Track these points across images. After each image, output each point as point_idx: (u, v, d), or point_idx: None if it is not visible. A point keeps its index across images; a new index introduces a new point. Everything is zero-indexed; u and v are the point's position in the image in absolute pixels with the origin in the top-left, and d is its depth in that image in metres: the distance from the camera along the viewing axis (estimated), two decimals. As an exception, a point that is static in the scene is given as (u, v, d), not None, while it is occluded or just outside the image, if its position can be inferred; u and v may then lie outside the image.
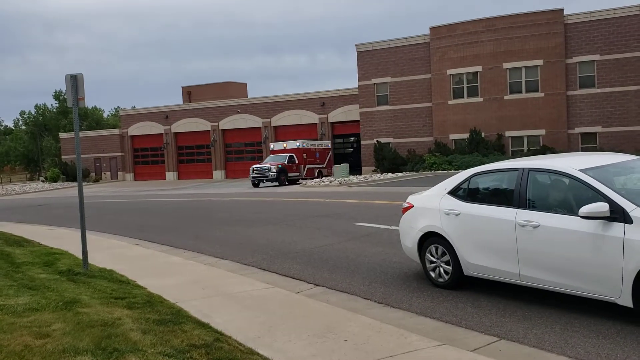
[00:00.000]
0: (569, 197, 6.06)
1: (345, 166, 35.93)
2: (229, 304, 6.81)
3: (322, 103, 45.43)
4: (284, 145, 38.71)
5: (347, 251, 10.12)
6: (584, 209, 5.48)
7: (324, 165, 40.70)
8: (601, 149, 30.85)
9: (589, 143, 32.79)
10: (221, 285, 7.89)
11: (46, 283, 7.34)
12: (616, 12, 31.71)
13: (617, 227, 5.37)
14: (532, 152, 32.23)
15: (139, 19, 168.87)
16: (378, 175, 35.79)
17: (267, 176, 35.48)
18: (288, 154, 37.35)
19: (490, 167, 7.08)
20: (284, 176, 35.93)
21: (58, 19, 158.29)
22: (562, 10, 32.93)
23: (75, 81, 8.59)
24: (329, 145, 43.13)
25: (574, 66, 32.82)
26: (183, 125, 53.01)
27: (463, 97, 36.09)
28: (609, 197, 5.51)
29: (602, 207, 5.41)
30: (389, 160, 37.42)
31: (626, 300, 5.31)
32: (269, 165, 35.83)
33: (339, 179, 34.59)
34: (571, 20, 32.71)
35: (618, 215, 5.38)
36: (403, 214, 7.92)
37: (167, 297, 7.10)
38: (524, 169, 6.44)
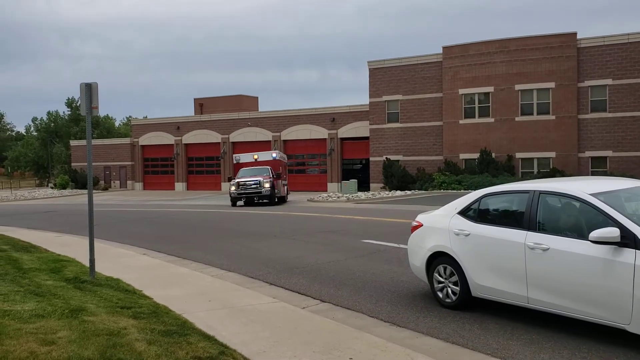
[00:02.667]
0: (579, 221, 6.01)
1: (353, 182, 35.92)
2: (235, 317, 6.79)
3: (332, 118, 45.54)
4: (255, 157, 32.70)
5: (354, 268, 10.08)
6: (595, 234, 5.44)
7: (286, 182, 34.44)
8: (611, 174, 30.66)
9: (599, 167, 32.61)
10: (227, 298, 7.87)
11: (52, 290, 7.35)
12: (630, 38, 31.69)
13: (628, 253, 5.32)
14: (542, 175, 32.09)
15: (154, 30, 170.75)
16: (386, 192, 35.71)
17: (260, 192, 28.91)
18: (265, 167, 31.01)
19: (501, 189, 7.06)
20: (274, 193, 29.71)
21: (74, 28, 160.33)
22: (575, 34, 32.96)
23: (89, 90, 8.68)
24: (286, 159, 37.13)
25: (586, 90, 32.76)
26: (194, 137, 53.27)
27: (474, 117, 36.08)
28: (620, 222, 5.47)
29: (613, 232, 5.37)
30: (398, 178, 37.36)
31: (636, 328, 5.25)
32: (260, 178, 29.20)
33: (347, 195, 34.56)
34: (584, 44, 32.71)
35: (629, 240, 5.34)
36: (412, 232, 7.89)
37: (173, 308, 7.09)
38: (534, 191, 6.41)
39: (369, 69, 40.77)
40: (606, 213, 5.64)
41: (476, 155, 35.41)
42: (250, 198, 29.27)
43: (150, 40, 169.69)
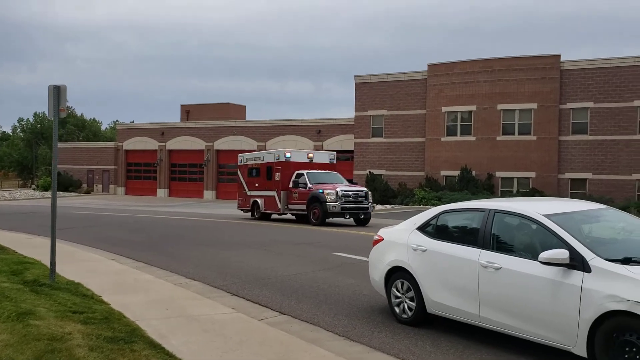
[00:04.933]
0: (532, 241, 6.05)
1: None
2: (189, 326, 6.73)
3: (319, 130, 45.63)
4: (310, 155, 25.25)
5: (320, 281, 10.06)
6: (544, 255, 5.47)
7: None
8: (590, 196, 30.96)
9: (578, 189, 32.94)
10: (185, 307, 7.81)
11: (6, 292, 7.25)
12: (612, 62, 32.19)
13: (576, 275, 5.36)
14: (521, 194, 32.35)
15: (147, 34, 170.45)
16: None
17: (366, 208, 22.23)
18: (334, 173, 24.79)
19: (459, 206, 7.10)
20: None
21: (67, 30, 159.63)
22: (559, 56, 33.41)
23: (58, 92, 8.62)
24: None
25: (567, 112, 33.16)
26: (178, 143, 53.08)
27: (456, 134, 36.34)
28: (569, 244, 5.51)
29: (562, 253, 5.40)
30: (380, 192, 37.45)
31: (581, 350, 5.27)
32: (365, 189, 23.29)
33: (328, 208, 34.52)
34: (567, 66, 33.16)
35: (578, 263, 5.37)
36: (373, 246, 7.90)
37: (128, 315, 7.03)
38: (490, 209, 6.46)
39: (356, 83, 41.00)
40: (557, 234, 5.68)
41: (457, 173, 35.63)
42: (355, 214, 21.94)
43: (144, 44, 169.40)
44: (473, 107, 35.51)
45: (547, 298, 5.54)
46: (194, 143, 52.00)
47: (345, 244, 15.66)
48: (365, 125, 40.49)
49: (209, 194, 51.09)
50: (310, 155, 25.38)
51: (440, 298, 6.63)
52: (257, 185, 25.76)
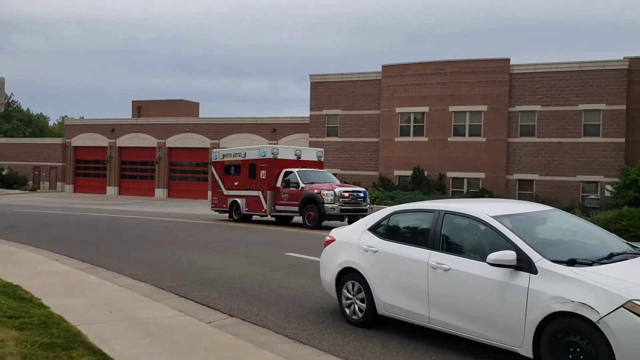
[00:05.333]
0: (481, 242, 6.10)
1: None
2: (133, 330, 6.50)
3: (273, 129, 45.37)
4: (297, 153, 23.64)
5: (271, 282, 9.93)
6: (492, 256, 5.51)
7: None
8: (537, 197, 31.86)
9: (526, 189, 33.82)
10: (131, 310, 7.55)
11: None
12: (558, 67, 33.17)
13: (523, 277, 5.41)
14: (471, 194, 32.98)
15: (98, 29, 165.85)
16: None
17: (365, 209, 20.73)
18: (324, 171, 23.56)
19: (410, 207, 7.10)
20: None
21: (16, 21, 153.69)
22: (508, 60, 34.22)
23: (-4, 85, 8.21)
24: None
25: (516, 114, 34.01)
26: (129, 140, 51.83)
27: (409, 135, 36.77)
28: (517, 245, 5.56)
29: (509, 255, 5.45)
30: (334, 192, 37.51)
31: (527, 351, 5.33)
32: (363, 189, 22.01)
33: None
34: (516, 70, 34.00)
35: (524, 264, 5.43)
36: (325, 247, 7.83)
37: (69, 319, 6.73)
38: (440, 211, 6.48)
39: (311, 82, 40.95)
40: (505, 236, 5.73)
41: (410, 173, 36.03)
42: (354, 216, 19.77)
43: (95, 39, 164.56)
44: (426, 109, 35.99)
45: (495, 299, 5.58)
46: (145, 140, 50.89)
47: (298, 243, 15.56)
48: (320, 125, 40.50)
49: (160, 192, 50.10)
50: (298, 152, 23.73)
51: (391, 299, 6.61)
52: (236, 184, 23.84)
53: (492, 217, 6.01)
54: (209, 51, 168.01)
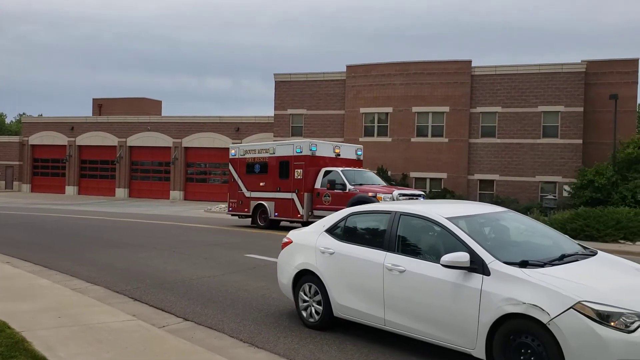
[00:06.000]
0: (436, 244, 6.10)
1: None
2: (81, 336, 6.29)
3: (237, 128, 45.02)
4: (336, 150, 21.14)
5: (228, 284, 9.78)
6: (445, 258, 5.51)
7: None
8: (497, 196, 32.38)
9: (486, 189, 34.34)
10: (81, 314, 7.31)
11: None
12: (518, 69, 33.78)
13: (476, 278, 5.42)
14: (433, 194, 33.30)
15: (58, 25, 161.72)
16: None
17: None
18: (367, 171, 21.45)
19: (367, 208, 7.08)
20: None
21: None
22: (470, 61, 34.68)
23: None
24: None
25: (477, 116, 34.50)
26: (89, 139, 50.68)
27: (373, 135, 36.92)
28: (470, 247, 5.57)
29: (462, 257, 5.45)
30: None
31: (480, 353, 5.35)
32: (422, 192, 19.76)
33: (245, 207, 34.09)
34: (478, 72, 34.48)
35: (478, 266, 5.44)
36: (282, 249, 7.74)
37: (14, 325, 6.48)
38: (396, 212, 6.46)
39: (275, 81, 40.74)
40: (458, 237, 5.74)
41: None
42: None
43: (55, 35, 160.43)
44: (389, 109, 36.21)
45: (449, 301, 5.58)
46: (106, 139, 49.85)
47: (258, 245, 15.43)
48: (284, 124, 40.33)
49: (121, 192, 49.15)
50: (337, 148, 21.03)
51: (347, 301, 6.57)
52: (262, 184, 21.21)
53: (446, 218, 6.01)
54: (173, 48, 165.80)
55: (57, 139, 52.01)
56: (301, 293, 7.19)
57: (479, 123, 34.41)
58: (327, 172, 19.64)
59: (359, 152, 22.11)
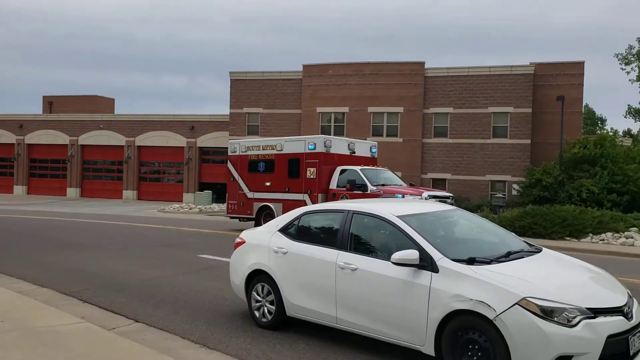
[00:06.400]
0: (388, 242, 6.18)
1: (208, 194, 35.27)
2: (26, 341, 6.10)
3: (192, 127, 44.44)
4: (351, 146, 19.56)
5: (181, 285, 9.67)
6: (396, 256, 5.59)
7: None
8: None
9: (439, 188, 34.95)
10: (26, 318, 7.09)
11: None
12: (469, 71, 34.52)
13: (426, 276, 5.52)
14: (389, 193, 33.65)
15: (6, 21, 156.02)
16: (241, 205, 35.38)
17: None
18: (386, 170, 19.77)
19: (320, 207, 7.12)
20: None
21: None
22: (423, 63, 35.24)
23: None
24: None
25: (430, 116, 35.10)
26: (39, 137, 49.10)
27: (330, 135, 37.06)
28: (420, 244, 5.67)
29: (412, 254, 5.54)
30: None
31: (429, 349, 5.44)
32: (450, 194, 19.08)
33: (200, 207, 33.80)
34: (430, 73, 35.07)
35: (427, 263, 5.54)
36: (235, 249, 7.70)
37: (-47, 331, 6.23)
38: (349, 211, 6.52)
39: (231, 79, 40.41)
40: (409, 235, 5.84)
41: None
42: None
43: (2, 31, 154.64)
44: (345, 109, 36.45)
45: (399, 298, 5.66)
46: (57, 137, 48.40)
47: (212, 245, 15.29)
48: (241, 123, 40.06)
49: (72, 192, 47.83)
50: (352, 145, 19.42)
51: (300, 301, 6.58)
52: (268, 184, 19.46)
53: (397, 216, 6.10)
54: (127, 45, 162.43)
55: (4, 137, 50.18)
56: (254, 293, 7.17)
57: (432, 123, 35.02)
58: (343, 171, 18.04)
59: (374, 150, 20.46)
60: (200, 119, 44.73)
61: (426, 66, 35.16)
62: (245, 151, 20.45)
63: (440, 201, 15.96)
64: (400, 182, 18.84)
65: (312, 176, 18.16)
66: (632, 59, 44.67)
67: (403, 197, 16.04)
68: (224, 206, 33.51)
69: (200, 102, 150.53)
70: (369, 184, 17.10)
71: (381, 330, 5.82)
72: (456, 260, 5.48)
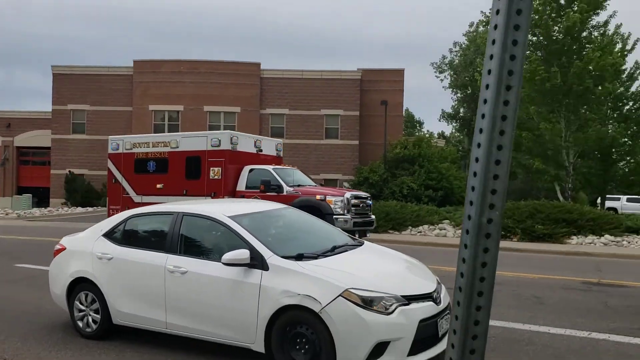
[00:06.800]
0: (219, 243, 6.18)
1: (27, 197, 32.31)
2: None
3: (8, 124, 40.35)
4: (257, 143, 17.82)
5: (-7, 298, 8.76)
6: (227, 256, 5.61)
7: None
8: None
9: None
10: None
11: None
12: (303, 74, 35.69)
13: (256, 274, 5.61)
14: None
15: None
16: (67, 209, 32.99)
17: (370, 219, 16.53)
18: (294, 169, 17.95)
19: (148, 210, 6.90)
20: None
21: None
22: (259, 64, 35.69)
23: None
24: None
25: (267, 117, 35.67)
26: None
27: (164, 133, 35.98)
28: (250, 244, 5.76)
29: (243, 254, 5.61)
30: (82, 194, 34.93)
31: (259, 346, 5.54)
32: (368, 194, 17.24)
33: (18, 212, 30.82)
34: (267, 75, 35.64)
35: (258, 262, 5.63)
36: (54, 257, 7.17)
37: None
38: (178, 213, 6.42)
39: (54, 74, 37.44)
40: (240, 235, 5.90)
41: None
42: (363, 232, 15.84)
43: None
44: (180, 107, 35.63)
45: (231, 299, 5.69)
46: None
47: (31, 253, 14.05)
48: (64, 121, 37.24)
49: None
50: (259, 142, 17.67)
51: (127, 307, 6.33)
52: (160, 186, 17.16)
53: (228, 217, 6.14)
54: None
55: None
56: (77, 302, 6.74)
57: (269, 124, 35.62)
58: (251, 171, 16.42)
59: (280, 148, 18.89)
60: (19, 116, 40.86)
61: (262, 67, 35.63)
62: (131, 148, 17.99)
63: (361, 202, 15.91)
64: (311, 182, 17.72)
65: (216, 176, 16.44)
66: (445, 67, 49.48)
67: (325, 198, 15.23)
68: (46, 211, 30.98)
69: (19, 97, 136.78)
70: (284, 185, 15.78)
71: (213, 331, 5.81)
72: (286, 257, 5.65)
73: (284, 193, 15.50)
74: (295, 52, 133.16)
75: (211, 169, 16.38)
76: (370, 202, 16.50)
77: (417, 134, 62.33)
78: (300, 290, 5.31)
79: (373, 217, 16.59)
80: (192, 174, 16.66)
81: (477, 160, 1.28)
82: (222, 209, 6.43)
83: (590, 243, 16.98)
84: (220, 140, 16.31)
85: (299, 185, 16.15)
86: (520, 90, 1.26)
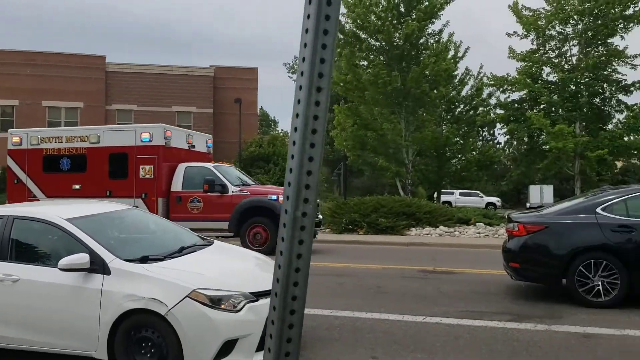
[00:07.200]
0: (57, 247, 5.80)
1: None
2: None
3: None
4: (189, 139, 16.18)
5: None
6: (63, 261, 5.28)
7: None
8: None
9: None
10: None
11: None
12: (153, 69, 34.46)
13: (97, 279, 5.35)
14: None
15: None
16: None
17: (319, 219, 15.54)
18: (231, 166, 17.08)
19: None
20: None
21: None
22: (104, 57, 33.82)
23: None
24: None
25: (113, 113, 33.90)
26: None
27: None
28: (90, 247, 5.47)
29: (82, 258, 5.31)
30: None
31: (102, 354, 5.29)
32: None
33: None
34: (112, 69, 33.86)
35: (98, 266, 5.37)
36: None
37: None
38: (8, 216, 5.91)
39: None
40: (78, 238, 5.58)
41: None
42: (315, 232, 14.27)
43: None
44: (15, 102, 32.65)
45: (70, 306, 5.37)
46: None
47: None
48: None
49: None
50: (191, 138, 16.07)
51: (-54, 323, 5.69)
52: (77, 187, 15.00)
53: (65, 219, 5.77)
54: None
55: None
56: None
57: (115, 120, 33.90)
58: (188, 169, 14.87)
59: (210, 144, 17.40)
60: None
61: (108, 60, 33.80)
62: (38, 144, 15.65)
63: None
64: (253, 181, 16.58)
65: (148, 176, 14.66)
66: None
67: (278, 198, 14.05)
68: None
69: None
70: (229, 185, 14.40)
71: (50, 342, 5.44)
72: (129, 260, 5.46)
73: (230, 193, 14.35)
74: (146, 49, 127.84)
75: (141, 167, 14.71)
76: (318, 201, 15.53)
77: (272, 132, 63.00)
78: (145, 294, 5.16)
79: (321, 217, 16.00)
80: (117, 173, 14.89)
81: (292, 157, 1.36)
82: (59, 211, 6.03)
83: (427, 234, 18.38)
84: (152, 135, 14.65)
85: (244, 184, 15.07)
86: (329, 92, 1.36)
